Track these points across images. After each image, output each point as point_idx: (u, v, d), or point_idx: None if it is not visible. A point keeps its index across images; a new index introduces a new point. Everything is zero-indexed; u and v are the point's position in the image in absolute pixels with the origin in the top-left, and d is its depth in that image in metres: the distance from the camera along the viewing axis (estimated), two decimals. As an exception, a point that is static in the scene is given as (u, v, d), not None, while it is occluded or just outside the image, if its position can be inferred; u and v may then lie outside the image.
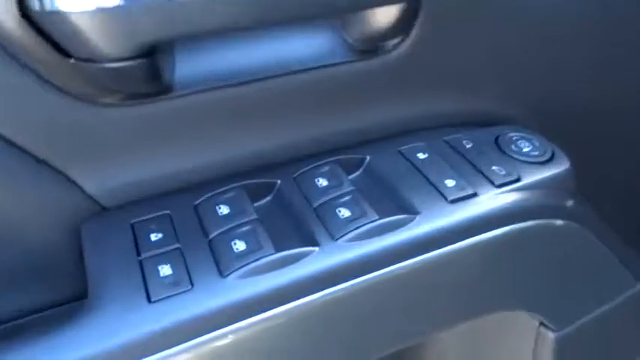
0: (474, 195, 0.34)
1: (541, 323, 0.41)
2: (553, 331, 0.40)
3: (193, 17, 0.27)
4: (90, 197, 0.33)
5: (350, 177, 0.36)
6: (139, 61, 0.28)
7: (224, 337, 0.28)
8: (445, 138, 0.39)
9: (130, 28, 0.27)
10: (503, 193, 0.35)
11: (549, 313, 0.40)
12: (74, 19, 0.26)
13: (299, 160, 0.36)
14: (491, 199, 0.34)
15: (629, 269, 0.42)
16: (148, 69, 0.29)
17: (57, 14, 0.26)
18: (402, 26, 0.35)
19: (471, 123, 0.42)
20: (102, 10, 0.26)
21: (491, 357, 0.46)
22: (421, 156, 0.37)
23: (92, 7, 0.26)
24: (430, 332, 0.36)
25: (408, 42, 0.36)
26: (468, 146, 0.39)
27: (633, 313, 0.45)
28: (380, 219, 0.32)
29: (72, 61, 0.28)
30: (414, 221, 0.32)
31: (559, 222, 0.36)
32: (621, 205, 0.55)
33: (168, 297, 0.28)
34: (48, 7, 0.26)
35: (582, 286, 0.41)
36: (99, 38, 0.26)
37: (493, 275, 0.36)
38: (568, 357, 0.43)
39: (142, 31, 0.27)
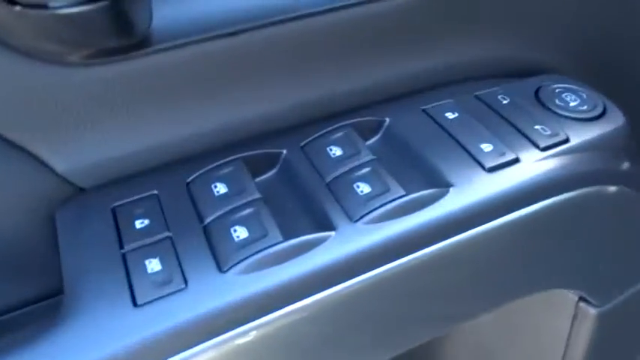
0: (516, 161, 0.31)
1: (581, 298, 0.37)
2: (594, 306, 0.37)
3: None
4: (62, 178, 0.29)
5: (367, 143, 0.32)
6: (100, 4, 0.23)
7: (225, 344, 0.24)
8: (477, 93, 0.35)
9: None
10: (549, 157, 0.31)
11: (591, 288, 0.37)
12: None
13: (307, 126, 0.33)
14: (536, 165, 0.30)
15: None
16: (115, 15, 0.25)
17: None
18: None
19: (505, 75, 0.38)
20: None
21: (523, 335, 0.43)
22: (450, 115, 0.33)
23: None
24: (461, 321, 0.33)
25: None
26: (505, 102, 0.34)
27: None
28: (406, 195, 0.28)
29: (17, 8, 0.23)
30: (447, 195, 0.29)
31: (612, 188, 0.33)
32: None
33: (158, 299, 0.24)
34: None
35: (630, 257, 0.37)
36: None
37: (538, 252, 0.32)
38: (608, 334, 0.40)
39: None
